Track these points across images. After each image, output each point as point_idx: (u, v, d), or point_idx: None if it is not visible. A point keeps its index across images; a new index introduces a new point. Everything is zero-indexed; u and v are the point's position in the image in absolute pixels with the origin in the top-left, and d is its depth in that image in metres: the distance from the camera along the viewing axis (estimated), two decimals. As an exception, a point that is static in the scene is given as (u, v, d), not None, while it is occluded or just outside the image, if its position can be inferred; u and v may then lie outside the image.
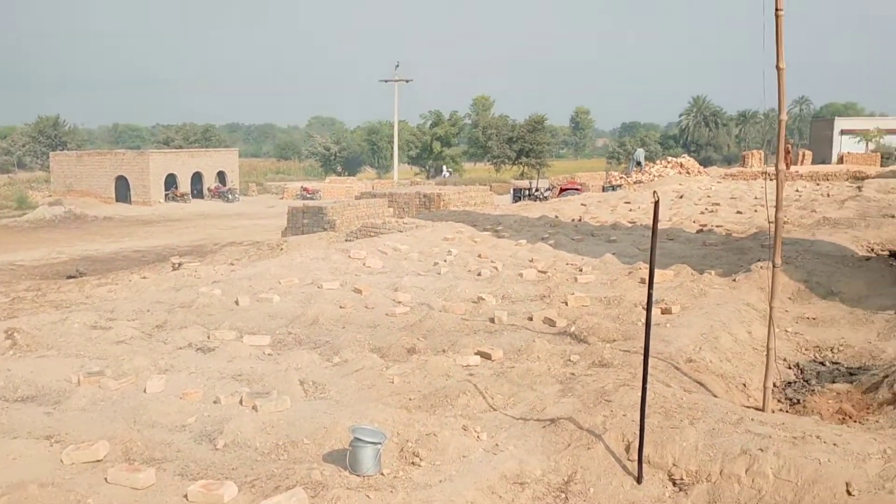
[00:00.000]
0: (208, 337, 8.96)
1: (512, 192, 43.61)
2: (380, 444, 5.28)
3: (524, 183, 48.75)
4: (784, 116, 6.43)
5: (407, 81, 64.05)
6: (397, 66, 63.26)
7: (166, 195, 53.31)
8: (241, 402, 6.63)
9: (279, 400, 6.53)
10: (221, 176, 59.11)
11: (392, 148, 66.86)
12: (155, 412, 6.38)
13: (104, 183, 53.06)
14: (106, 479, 5.15)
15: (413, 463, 5.49)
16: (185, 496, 4.87)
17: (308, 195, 52.27)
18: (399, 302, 10.82)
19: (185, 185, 55.12)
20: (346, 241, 20.54)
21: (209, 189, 57.01)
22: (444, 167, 57.86)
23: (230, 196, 55.51)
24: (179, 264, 18.10)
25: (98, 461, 5.46)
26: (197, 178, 56.95)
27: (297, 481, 5.01)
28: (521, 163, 78.72)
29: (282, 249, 20.99)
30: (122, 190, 52.94)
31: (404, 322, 9.81)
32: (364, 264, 13.87)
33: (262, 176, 77.22)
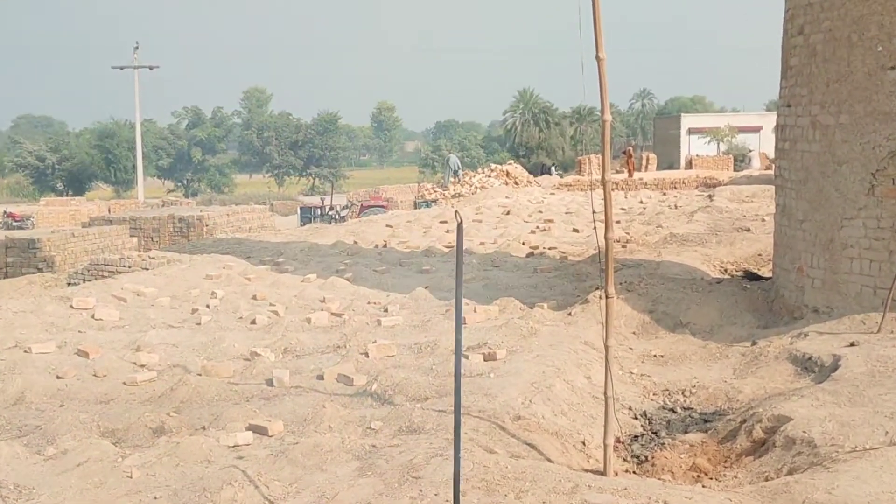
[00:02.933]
0: None
1: (300, 211, 43.47)
2: (109, 564, 4.99)
3: (315, 200, 48.76)
4: (608, 116, 6.88)
5: (151, 68, 62.23)
6: (136, 47, 61.30)
7: None
8: None
9: (-36, 515, 6.02)
10: None
11: (134, 157, 64.47)
12: None
13: None
14: None
15: (158, 586, 5.24)
16: None
17: (15, 223, 49.08)
18: (142, 365, 10.41)
19: None
20: (70, 284, 19.48)
21: None
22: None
23: None
24: None
25: None
26: None
27: None
28: (310, 174, 78.85)
29: (-26, 301, 19.46)
30: None
31: (149, 392, 9.45)
32: (93, 316, 13.21)
33: (-54, 198, 71.61)
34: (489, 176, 42.69)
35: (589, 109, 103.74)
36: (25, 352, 10.97)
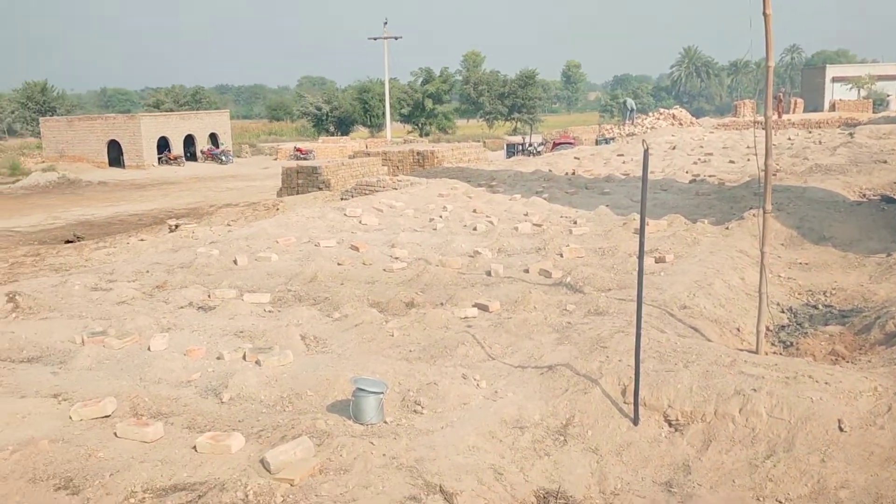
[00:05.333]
0: (208, 296, 9.01)
1: (506, 147, 43.29)
2: (382, 393, 5.37)
3: (517, 138, 48.41)
4: (772, 63, 6.39)
5: (396, 38, 63.02)
6: (385, 22, 62.13)
7: (160, 158, 52.78)
8: (244, 358, 6.71)
9: (281, 354, 6.61)
10: (214, 138, 58.46)
11: (384, 106, 66.20)
12: (160, 369, 6.46)
13: (96, 148, 52.51)
14: (115, 433, 5.24)
15: (415, 411, 5.59)
16: (194, 447, 4.96)
17: (301, 156, 51.72)
18: (396, 258, 10.88)
19: (177, 148, 54.57)
20: (342, 199, 20.49)
21: (202, 151, 56.40)
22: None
23: (224, 158, 54.90)
24: (176, 226, 18.05)
25: (106, 417, 5.54)
26: (189, 141, 56.36)
27: (303, 431, 5.10)
28: (513, 118, 78.20)
29: (278, 209, 20.93)
30: (115, 154, 52.45)
31: (402, 277, 9.88)
32: (360, 222, 13.88)
33: (254, 137, 76.38)
34: (658, 119, 40.80)
35: (744, 62, 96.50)
36: (316, 246, 11.74)
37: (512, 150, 40.64)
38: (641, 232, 5.36)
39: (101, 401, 5.67)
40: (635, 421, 5.41)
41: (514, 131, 73.70)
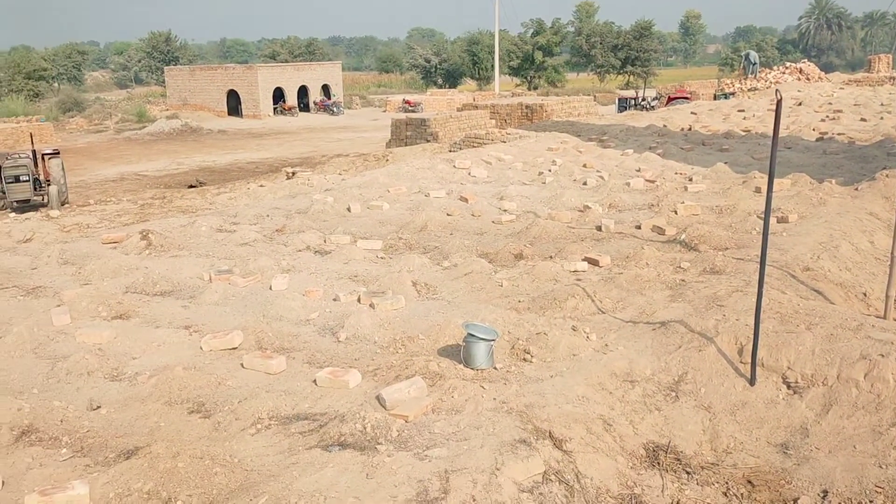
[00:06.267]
0: (324, 241, 9.35)
1: (617, 101, 42.12)
2: (493, 340, 5.46)
3: (630, 93, 46.93)
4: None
5: (509, -12, 61.98)
6: (498, -29, 61.10)
7: (275, 108, 54.42)
8: (358, 301, 6.96)
9: (394, 299, 6.81)
10: (326, 89, 59.59)
11: (493, 59, 65.51)
12: (281, 307, 6.80)
13: (216, 97, 54.70)
14: (242, 364, 5.59)
15: (524, 359, 5.66)
16: (314, 381, 5.23)
17: (410, 108, 52.09)
18: (505, 210, 10.91)
19: (292, 99, 56.01)
20: (450, 151, 20.59)
21: (315, 102, 57.63)
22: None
23: (335, 109, 55.91)
24: (293, 173, 18.70)
25: (233, 349, 5.91)
26: (303, 92, 57.69)
27: (416, 371, 5.28)
28: (626, 72, 75.77)
29: (387, 160, 21.28)
30: (234, 103, 54.44)
31: (510, 229, 9.91)
32: (469, 174, 13.95)
33: (364, 89, 77.35)
34: (783, 73, 38.64)
35: (881, 13, 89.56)
36: (426, 196, 11.91)
37: (623, 105, 39.54)
38: (770, 185, 5.16)
39: (229, 334, 6.04)
40: (752, 381, 5.29)
41: (627, 85, 71.48)
